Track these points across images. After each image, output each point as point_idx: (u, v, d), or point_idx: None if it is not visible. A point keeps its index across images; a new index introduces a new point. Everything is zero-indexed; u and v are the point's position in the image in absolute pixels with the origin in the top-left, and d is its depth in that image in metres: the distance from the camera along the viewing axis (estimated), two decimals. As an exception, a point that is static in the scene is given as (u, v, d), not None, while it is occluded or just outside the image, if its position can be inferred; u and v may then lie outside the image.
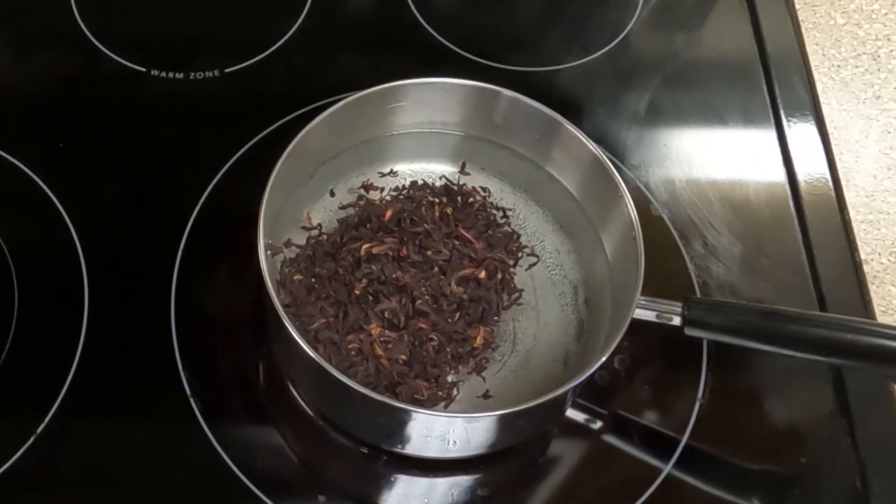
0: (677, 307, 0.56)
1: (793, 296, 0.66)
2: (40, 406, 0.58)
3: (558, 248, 0.65)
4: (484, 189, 0.65)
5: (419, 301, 0.58)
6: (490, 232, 0.62)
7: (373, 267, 0.58)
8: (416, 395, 0.56)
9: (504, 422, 0.54)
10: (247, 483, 0.57)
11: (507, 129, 0.64)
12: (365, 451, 0.59)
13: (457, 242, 0.61)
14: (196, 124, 0.71)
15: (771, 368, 0.63)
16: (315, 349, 0.53)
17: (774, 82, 0.77)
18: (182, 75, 0.74)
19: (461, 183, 0.65)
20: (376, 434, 0.58)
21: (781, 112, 0.75)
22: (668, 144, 0.73)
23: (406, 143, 0.66)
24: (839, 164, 0.73)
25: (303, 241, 0.62)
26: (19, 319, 0.61)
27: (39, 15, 0.77)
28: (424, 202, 0.62)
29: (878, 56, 0.89)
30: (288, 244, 0.61)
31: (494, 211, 0.64)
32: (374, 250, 0.59)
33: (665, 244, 0.68)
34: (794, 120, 0.75)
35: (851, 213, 0.70)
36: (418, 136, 0.65)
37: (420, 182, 0.65)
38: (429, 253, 0.60)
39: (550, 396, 0.52)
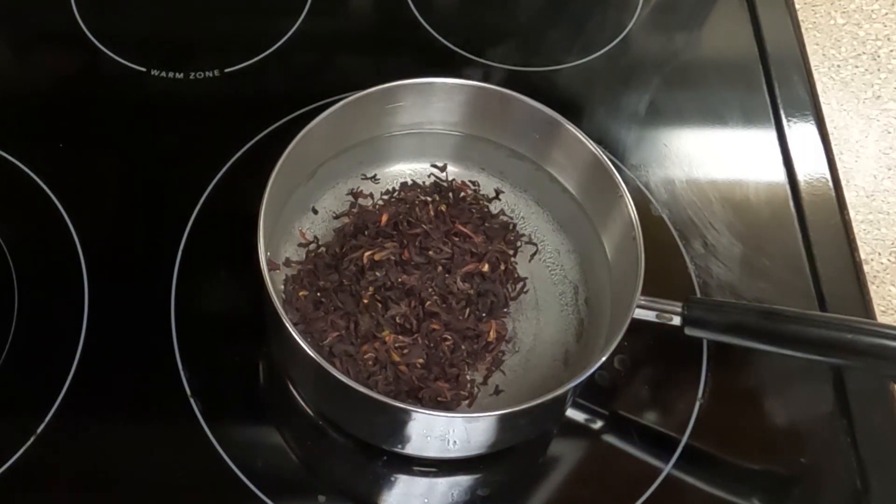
0: (677, 307, 0.56)
1: (793, 296, 0.66)
2: (40, 406, 0.58)
3: (558, 248, 0.65)
4: (474, 183, 0.65)
5: (428, 302, 0.58)
6: (486, 224, 0.63)
7: (377, 274, 0.58)
8: (439, 398, 0.56)
9: (504, 422, 0.54)
10: (247, 483, 0.57)
11: (507, 129, 0.64)
12: (365, 451, 0.59)
13: (456, 239, 0.61)
14: (196, 124, 0.71)
15: (771, 368, 0.63)
16: (332, 364, 0.52)
17: (774, 82, 0.77)
18: (182, 75, 0.74)
19: (450, 179, 0.65)
20: (377, 434, 0.58)
21: (781, 112, 0.75)
22: (668, 144, 0.73)
23: (406, 143, 0.66)
24: (839, 164, 0.73)
25: (299, 259, 0.61)
26: (19, 319, 0.61)
27: (39, 15, 0.77)
28: (417, 202, 0.62)
29: (878, 56, 0.89)
30: (287, 263, 0.61)
31: (486, 202, 0.64)
32: (377, 257, 0.59)
33: (665, 244, 0.68)
34: (794, 120, 0.75)
35: (851, 213, 0.70)
36: (418, 136, 0.65)
37: (410, 182, 0.65)
38: (430, 253, 0.60)
39: (550, 396, 0.52)
